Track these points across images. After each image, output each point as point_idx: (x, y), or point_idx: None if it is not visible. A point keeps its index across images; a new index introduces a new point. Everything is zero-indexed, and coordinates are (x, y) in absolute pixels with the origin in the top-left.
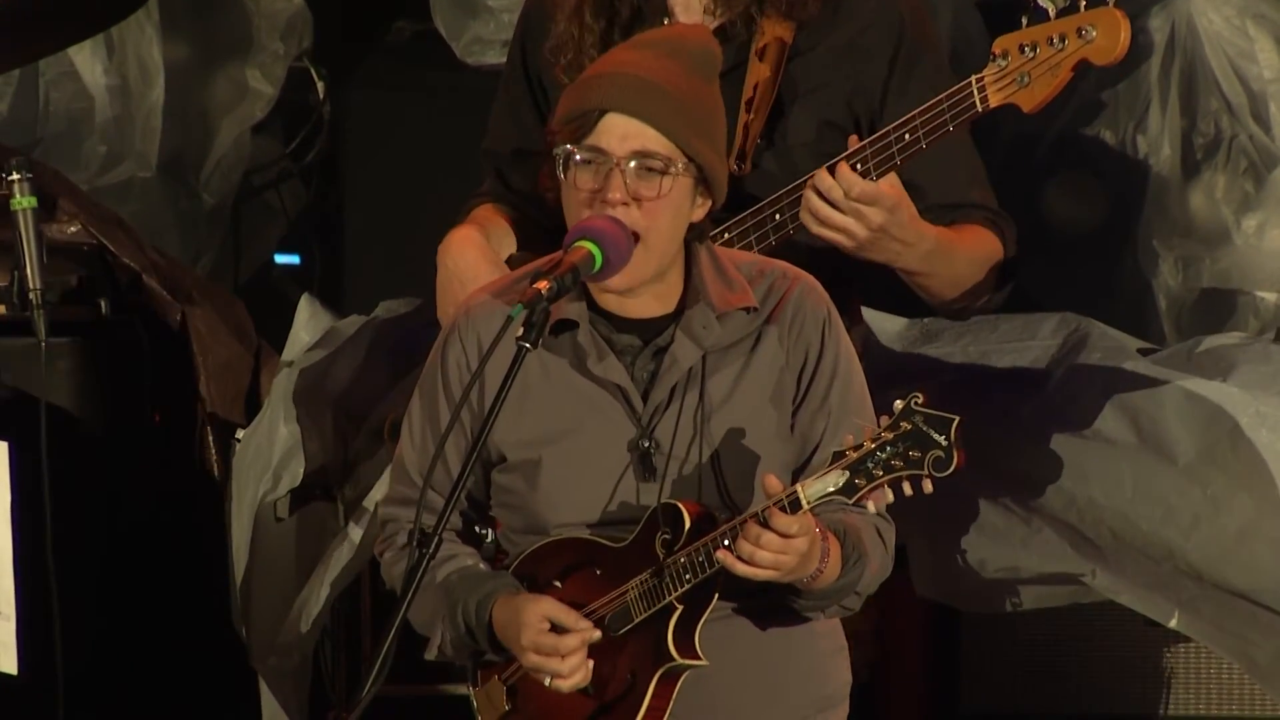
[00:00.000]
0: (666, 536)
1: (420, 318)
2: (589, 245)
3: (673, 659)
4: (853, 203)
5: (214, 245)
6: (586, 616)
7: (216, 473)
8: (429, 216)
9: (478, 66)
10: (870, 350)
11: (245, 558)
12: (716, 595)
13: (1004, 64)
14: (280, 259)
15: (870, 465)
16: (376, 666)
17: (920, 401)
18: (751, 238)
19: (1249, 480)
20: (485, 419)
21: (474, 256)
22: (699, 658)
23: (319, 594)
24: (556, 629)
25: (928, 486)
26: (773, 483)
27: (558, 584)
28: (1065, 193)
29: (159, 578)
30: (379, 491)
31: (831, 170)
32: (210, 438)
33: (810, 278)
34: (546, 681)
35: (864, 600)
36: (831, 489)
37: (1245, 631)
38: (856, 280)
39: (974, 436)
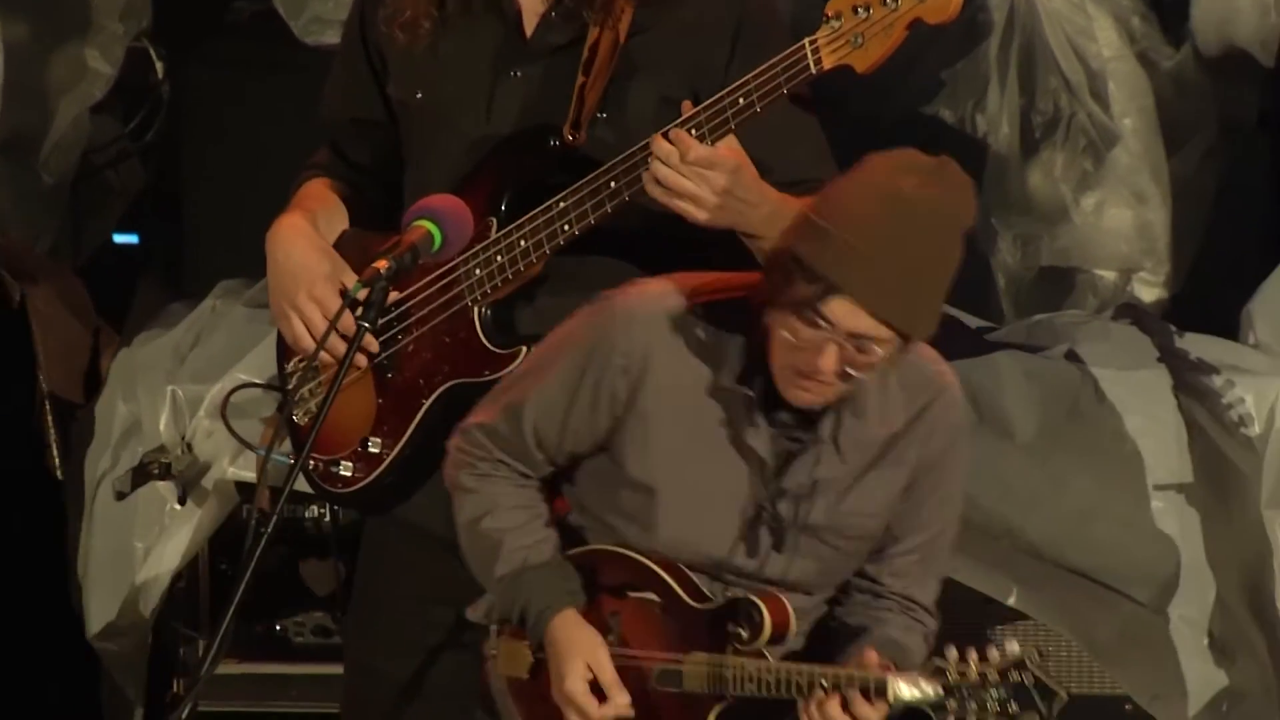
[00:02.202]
0: (742, 633)
1: (259, 298)
2: (428, 224)
3: None
4: (693, 167)
5: (53, 225)
6: (636, 655)
7: (56, 452)
8: (269, 196)
9: (316, 45)
10: None
11: (84, 537)
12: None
13: (837, 25)
14: (119, 238)
15: (967, 695)
16: (215, 645)
17: (1037, 660)
18: (587, 205)
19: (1088, 459)
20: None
21: (302, 247)
22: None
23: (158, 572)
24: (596, 685)
25: None
26: (871, 657)
27: (617, 593)
28: None
29: None
30: (217, 471)
31: (667, 136)
32: (50, 417)
33: (955, 384)
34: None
35: None
36: (925, 698)
37: (1084, 609)
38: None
39: None
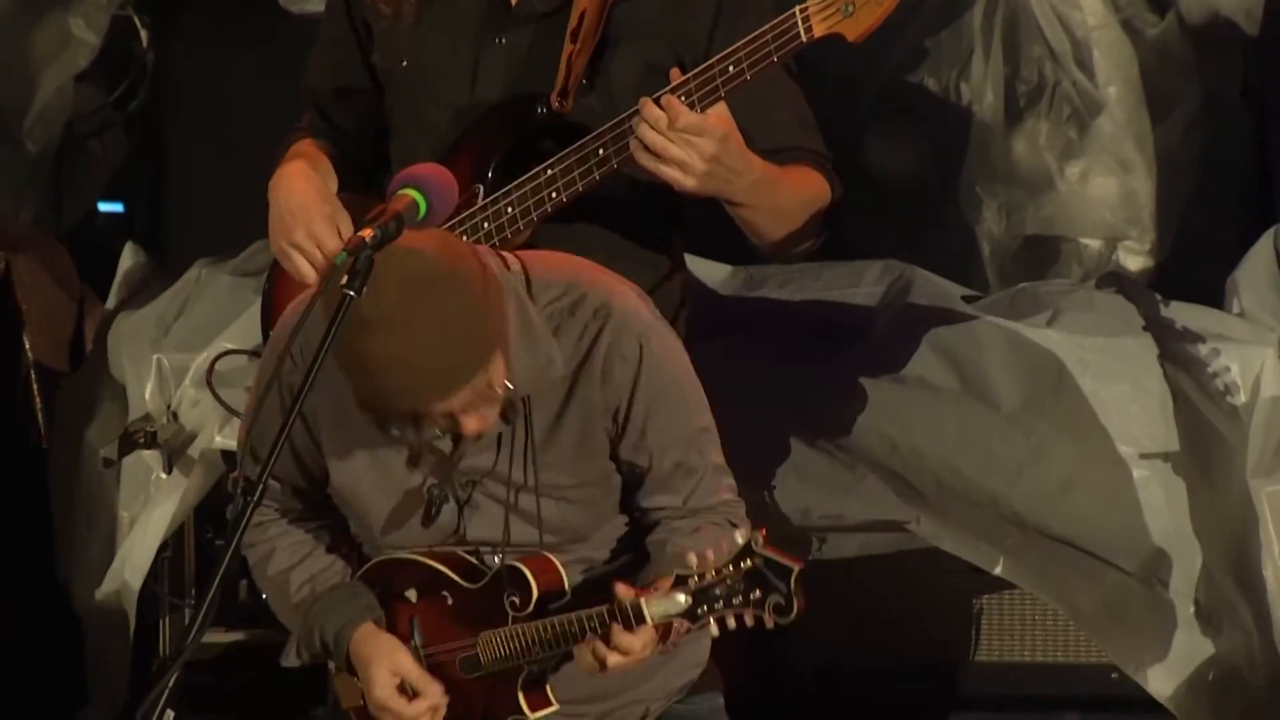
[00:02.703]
0: (514, 600)
1: (244, 267)
2: (413, 193)
3: (523, 713)
4: (681, 133)
5: (37, 194)
6: (439, 652)
7: (41, 420)
8: (252, 164)
9: (301, 14)
10: (695, 297)
11: (68, 506)
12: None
13: None
14: (104, 207)
15: (714, 594)
16: (201, 615)
17: (761, 542)
18: (575, 173)
19: (1072, 427)
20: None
21: (303, 188)
22: (550, 704)
23: (144, 541)
24: (405, 688)
25: (770, 623)
26: (621, 589)
27: (410, 598)
28: (888, 140)
29: None
30: (203, 440)
31: (657, 102)
32: (35, 385)
33: (623, 299)
34: None
35: None
36: (675, 611)
37: (1069, 578)
38: (681, 225)
39: (797, 384)
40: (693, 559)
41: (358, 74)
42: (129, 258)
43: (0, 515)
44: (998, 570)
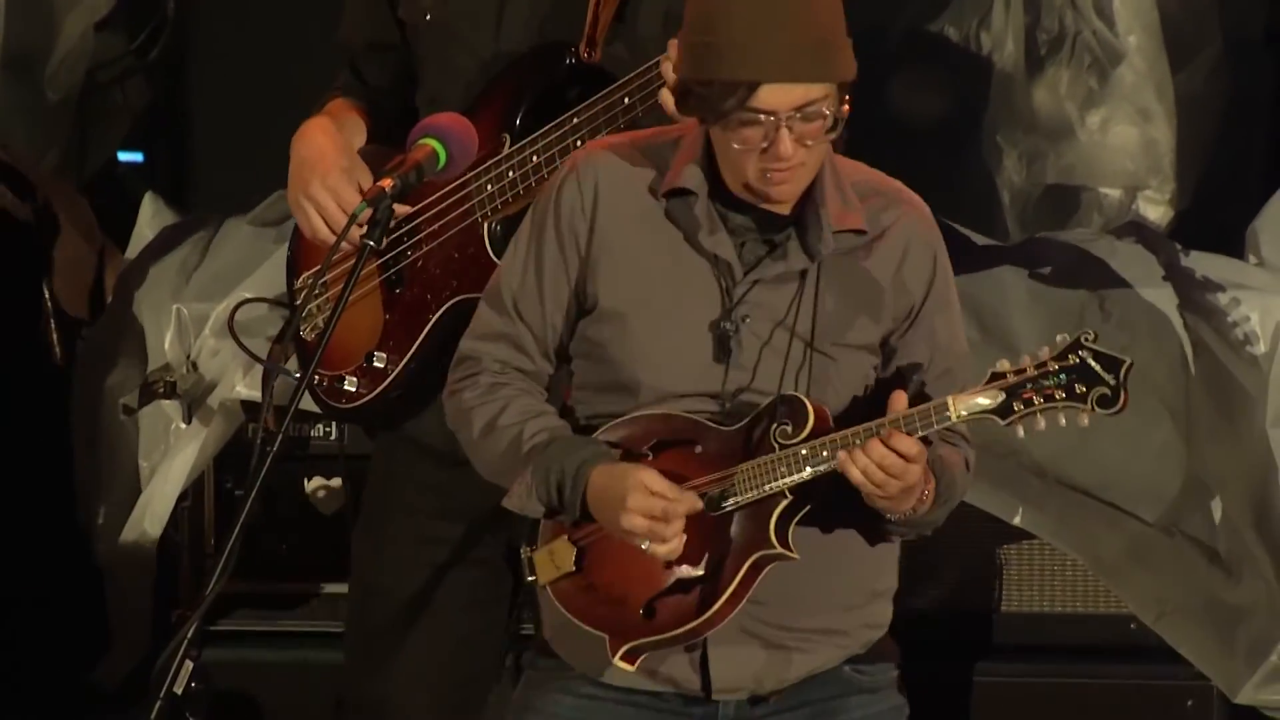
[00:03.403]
0: (786, 428)
1: (265, 216)
2: (433, 143)
3: (773, 546)
4: None
5: (58, 142)
6: (686, 489)
7: (60, 368)
8: (275, 114)
9: None
10: None
11: (89, 455)
12: (820, 496)
13: None
14: (124, 156)
15: (1030, 389)
16: (221, 564)
17: (1092, 338)
18: (600, 120)
19: None
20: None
21: (322, 141)
22: (792, 551)
23: (163, 491)
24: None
25: (1084, 421)
26: (900, 399)
27: (649, 454)
28: (910, 89)
29: (1, 477)
30: (223, 390)
31: None
32: (55, 333)
33: (921, 205)
34: (644, 545)
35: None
36: (987, 405)
37: (1089, 527)
38: None
39: None
40: (1005, 363)
41: (388, 29)
42: (149, 207)
43: (21, 464)
44: (1016, 520)
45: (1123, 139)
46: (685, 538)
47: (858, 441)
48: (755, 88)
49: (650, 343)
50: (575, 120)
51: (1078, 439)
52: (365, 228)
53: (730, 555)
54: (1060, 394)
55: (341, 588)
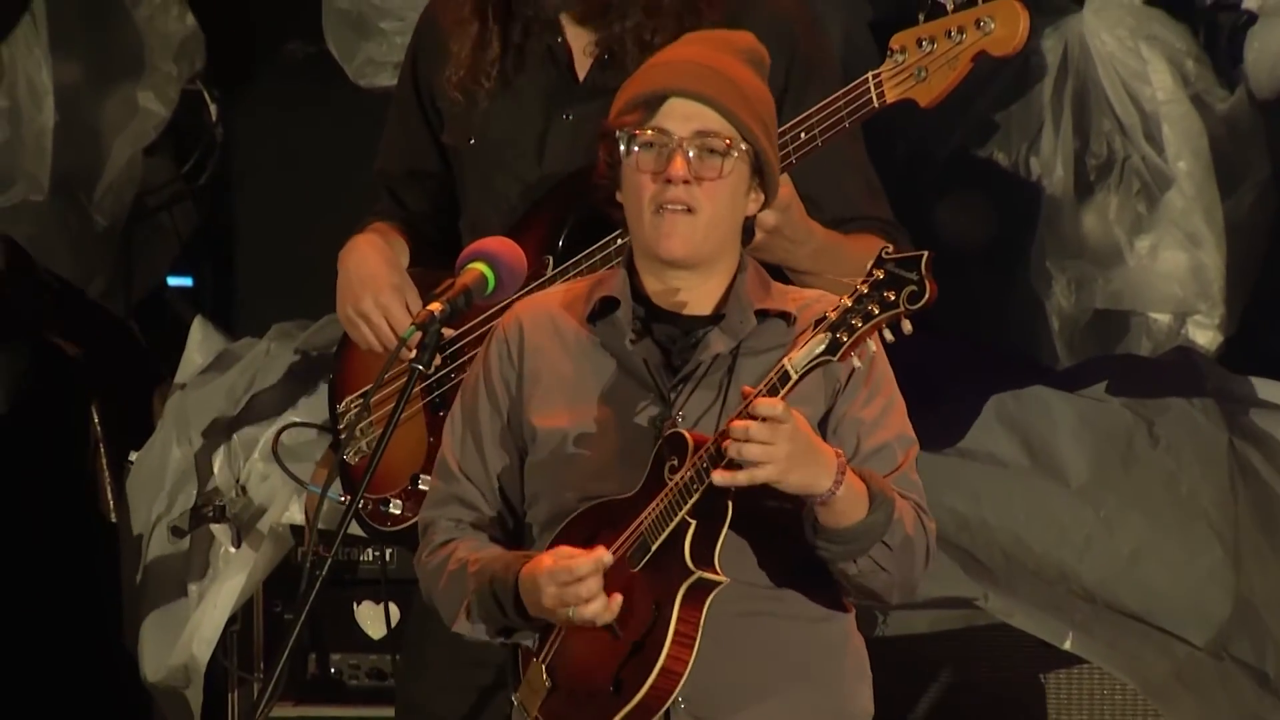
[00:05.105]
0: (673, 462)
1: (315, 340)
2: (482, 267)
3: (691, 571)
4: None
5: (106, 267)
6: (609, 550)
7: (109, 495)
8: (321, 238)
9: (370, 88)
10: None
11: (137, 580)
12: (731, 505)
13: (901, 59)
14: (173, 281)
15: (850, 320)
16: (270, 687)
17: (889, 251)
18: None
19: (1141, 501)
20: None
21: (374, 258)
22: (718, 573)
23: (212, 615)
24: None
25: (907, 327)
26: (747, 388)
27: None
28: (958, 213)
29: (53, 602)
30: (273, 514)
31: None
32: (103, 460)
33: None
34: (570, 614)
35: (901, 585)
36: (818, 350)
37: (1139, 651)
38: None
39: None
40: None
41: (429, 156)
42: (197, 331)
43: (70, 589)
44: (1067, 645)
45: (1171, 264)
46: (619, 598)
47: (720, 438)
48: (662, 101)
49: (591, 454)
50: (620, 242)
51: (1127, 563)
52: (414, 351)
53: (665, 600)
54: (875, 308)
55: (389, 712)
